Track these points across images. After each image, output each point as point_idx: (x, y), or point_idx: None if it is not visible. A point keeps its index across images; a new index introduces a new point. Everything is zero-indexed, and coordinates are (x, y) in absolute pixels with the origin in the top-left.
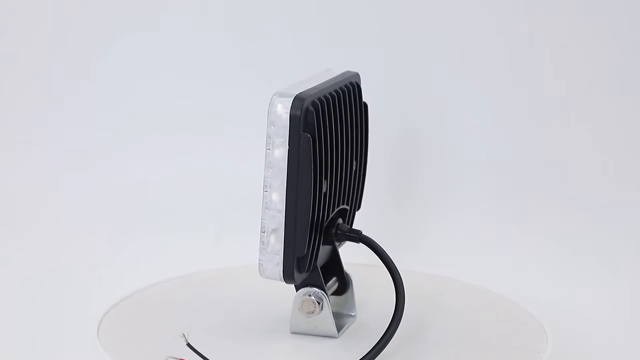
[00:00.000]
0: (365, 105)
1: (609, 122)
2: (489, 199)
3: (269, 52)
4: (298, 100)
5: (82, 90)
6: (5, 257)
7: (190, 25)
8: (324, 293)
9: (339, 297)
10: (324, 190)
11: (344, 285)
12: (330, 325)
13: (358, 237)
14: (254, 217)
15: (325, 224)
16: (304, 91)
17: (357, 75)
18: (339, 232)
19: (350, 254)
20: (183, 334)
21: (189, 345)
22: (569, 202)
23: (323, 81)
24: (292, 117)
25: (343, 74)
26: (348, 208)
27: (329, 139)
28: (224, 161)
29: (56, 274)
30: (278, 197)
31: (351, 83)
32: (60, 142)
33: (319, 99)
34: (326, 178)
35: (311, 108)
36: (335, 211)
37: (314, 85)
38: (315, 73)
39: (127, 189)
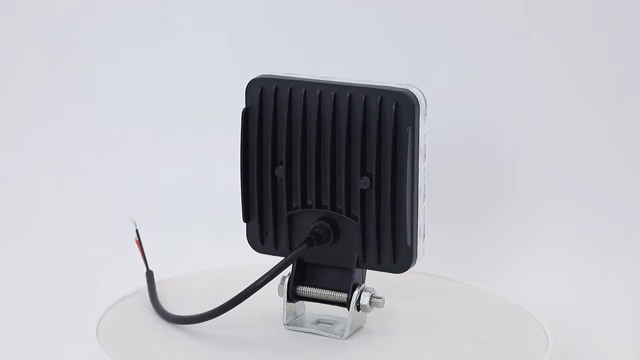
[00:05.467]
0: (408, 129)
1: None
2: (481, 201)
3: (268, 51)
4: (256, 77)
5: (83, 91)
6: (5, 257)
7: (190, 25)
8: (286, 279)
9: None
10: (279, 175)
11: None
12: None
13: (306, 238)
14: None
15: (286, 212)
16: (276, 75)
17: (404, 95)
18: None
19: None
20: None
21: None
22: (567, 202)
23: (334, 81)
24: (246, 91)
25: (388, 88)
26: (358, 224)
27: (284, 127)
28: (224, 161)
29: (56, 274)
30: None
31: (381, 98)
32: (61, 143)
33: (289, 88)
34: (281, 165)
35: (261, 87)
36: (312, 210)
37: (313, 79)
38: (360, 79)
39: (127, 189)
